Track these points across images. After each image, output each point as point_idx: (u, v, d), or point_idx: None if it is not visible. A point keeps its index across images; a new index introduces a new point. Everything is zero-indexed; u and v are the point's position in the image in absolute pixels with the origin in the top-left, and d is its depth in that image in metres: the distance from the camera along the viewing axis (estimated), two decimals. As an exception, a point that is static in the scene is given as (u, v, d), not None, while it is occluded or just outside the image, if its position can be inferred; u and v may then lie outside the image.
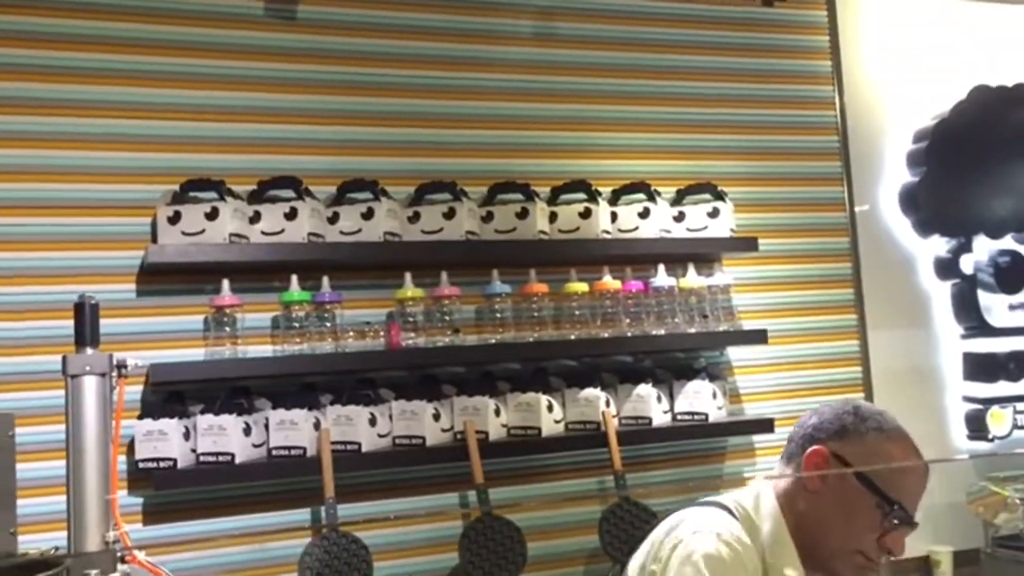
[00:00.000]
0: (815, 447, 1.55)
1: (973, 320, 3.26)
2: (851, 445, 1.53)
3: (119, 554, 1.39)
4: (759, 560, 1.50)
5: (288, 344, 2.49)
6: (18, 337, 2.33)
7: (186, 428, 2.34)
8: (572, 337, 2.75)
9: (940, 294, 3.30)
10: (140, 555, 1.35)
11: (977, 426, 3.20)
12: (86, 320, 1.49)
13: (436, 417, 2.56)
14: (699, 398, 2.80)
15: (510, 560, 2.50)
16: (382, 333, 2.58)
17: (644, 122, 3.04)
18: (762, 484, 1.61)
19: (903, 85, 3.35)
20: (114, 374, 1.49)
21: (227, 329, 2.44)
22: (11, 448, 1.34)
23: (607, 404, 2.72)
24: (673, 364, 2.91)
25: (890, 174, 3.30)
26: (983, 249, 3.31)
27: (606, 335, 2.76)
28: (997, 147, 3.33)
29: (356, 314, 2.60)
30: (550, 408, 2.67)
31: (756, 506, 1.57)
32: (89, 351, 1.49)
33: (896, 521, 1.49)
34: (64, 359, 1.45)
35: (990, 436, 3.20)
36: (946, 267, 3.28)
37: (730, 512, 1.55)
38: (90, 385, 1.44)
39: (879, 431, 1.54)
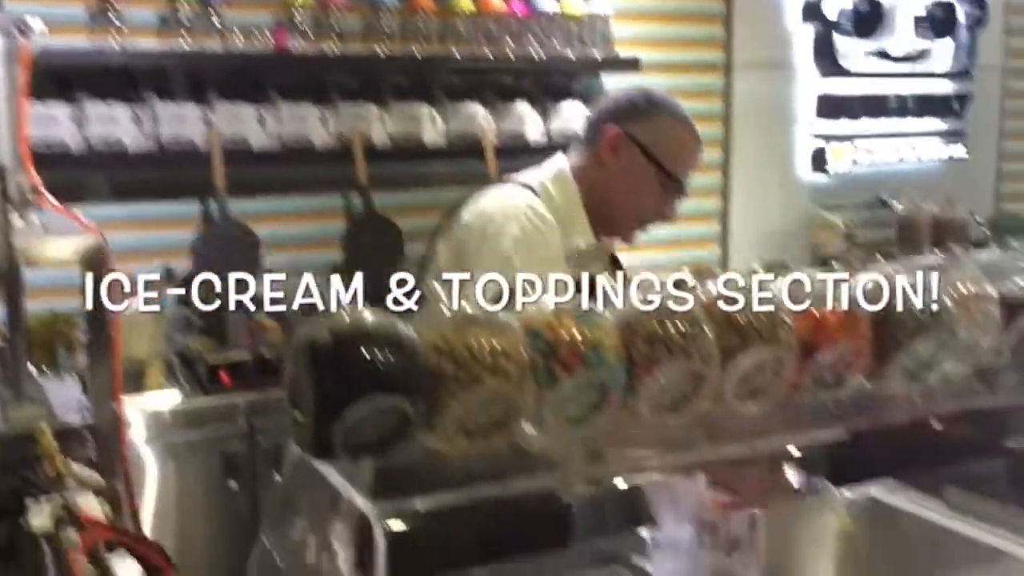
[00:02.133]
0: (612, 128, 1.75)
1: (828, 64, 3.49)
2: (642, 126, 1.75)
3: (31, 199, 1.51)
4: (559, 235, 1.70)
5: (175, 40, 2.51)
6: None
7: (76, 114, 2.39)
8: (457, 55, 2.84)
9: (805, 38, 3.50)
10: (51, 198, 1.46)
11: (820, 161, 3.51)
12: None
13: (323, 121, 2.67)
14: (572, 119, 2.98)
15: (388, 257, 2.72)
16: (270, 35, 2.62)
17: None
18: (560, 161, 1.81)
19: None
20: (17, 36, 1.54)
21: (113, 20, 2.43)
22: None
23: (486, 120, 2.88)
24: (550, 87, 3.05)
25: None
26: (839, -4, 3.48)
27: (489, 54, 2.87)
28: None
29: (242, 16, 2.62)
30: (432, 120, 2.82)
31: (555, 182, 1.77)
32: (-10, 10, 1.53)
33: (674, 192, 1.77)
34: (-33, 15, 1.48)
35: (829, 170, 3.52)
36: (811, 11, 3.45)
37: (532, 191, 1.75)
38: (-4, 42, 1.49)
39: (669, 116, 1.78)
